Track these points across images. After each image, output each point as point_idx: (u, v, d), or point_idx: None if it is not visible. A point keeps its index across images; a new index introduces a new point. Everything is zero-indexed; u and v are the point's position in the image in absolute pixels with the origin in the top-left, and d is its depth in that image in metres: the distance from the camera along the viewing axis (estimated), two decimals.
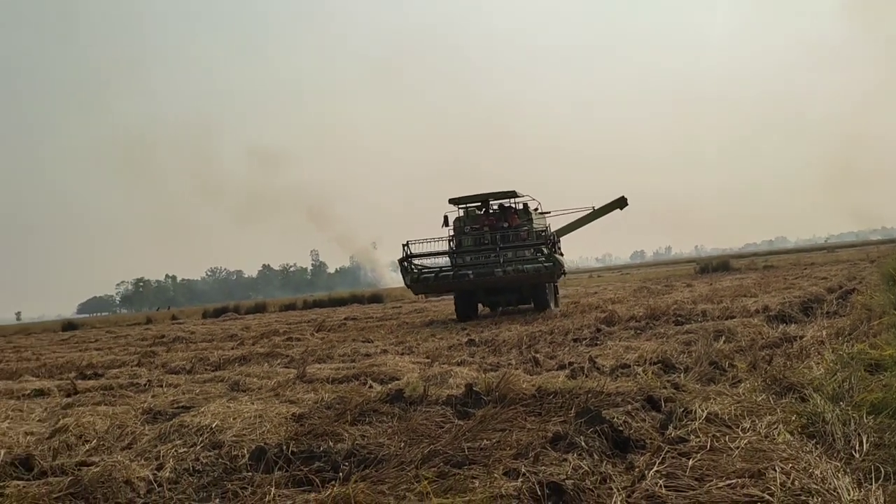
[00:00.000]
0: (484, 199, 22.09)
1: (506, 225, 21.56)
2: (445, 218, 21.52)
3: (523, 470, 4.55)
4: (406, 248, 20.78)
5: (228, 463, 5.55)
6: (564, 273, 22.29)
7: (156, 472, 5.50)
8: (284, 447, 5.79)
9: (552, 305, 21.37)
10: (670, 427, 5.49)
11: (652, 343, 11.00)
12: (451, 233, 21.68)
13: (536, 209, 22.71)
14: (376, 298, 47.12)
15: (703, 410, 5.66)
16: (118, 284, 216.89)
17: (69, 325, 43.86)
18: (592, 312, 18.15)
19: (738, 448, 4.72)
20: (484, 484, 4.27)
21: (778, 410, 5.66)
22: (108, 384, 11.84)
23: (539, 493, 4.14)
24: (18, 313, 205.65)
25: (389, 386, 8.93)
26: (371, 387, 9.20)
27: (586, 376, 8.43)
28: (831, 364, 6.53)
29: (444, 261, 21.88)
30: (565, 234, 23.94)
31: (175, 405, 8.79)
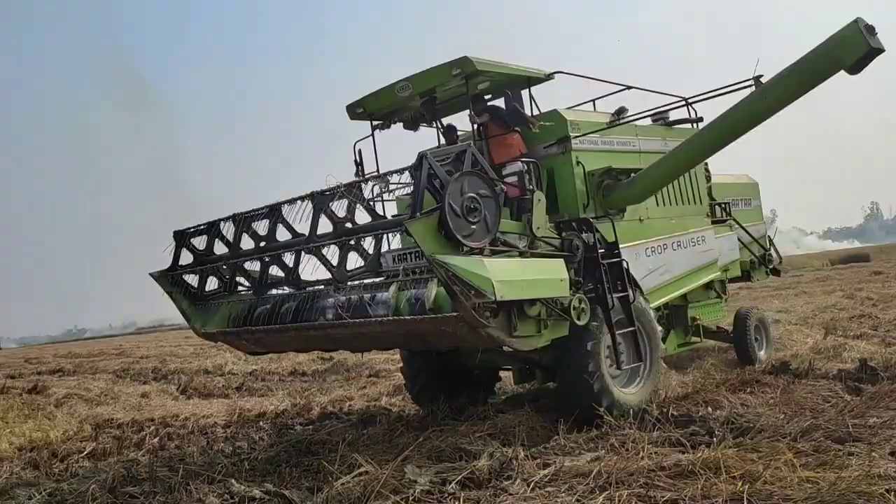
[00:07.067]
0: (419, 94, 7.44)
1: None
2: (358, 155, 7.90)
3: None
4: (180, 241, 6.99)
5: (613, 420, 5.88)
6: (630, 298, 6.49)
7: (557, 422, 6.11)
8: (665, 410, 5.96)
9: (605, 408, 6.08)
10: None
11: None
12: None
13: (622, 112, 7.74)
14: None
15: None
16: None
17: None
18: None
19: None
20: (861, 462, 3.92)
21: None
22: None
23: None
24: None
25: (776, 357, 8.46)
26: None
27: None
28: None
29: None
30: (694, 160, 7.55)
31: None
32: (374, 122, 7.88)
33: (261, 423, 8.20)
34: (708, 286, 8.65)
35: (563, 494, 4.08)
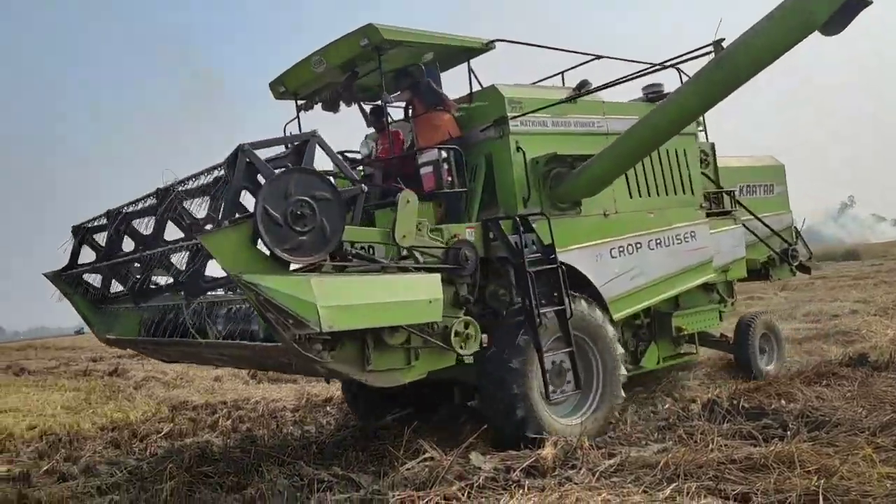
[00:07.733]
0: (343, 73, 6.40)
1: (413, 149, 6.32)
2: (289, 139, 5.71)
3: None
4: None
5: (681, 412, 5.78)
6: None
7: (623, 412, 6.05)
8: (735, 401, 5.81)
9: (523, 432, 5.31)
10: None
11: None
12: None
13: (584, 86, 6.28)
14: (851, 255, 41.70)
15: None
16: None
17: None
18: None
19: None
20: None
21: None
22: None
23: None
24: None
25: (854, 348, 8.14)
26: (833, 348, 8.45)
27: None
28: None
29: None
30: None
31: None
32: (299, 102, 6.83)
33: (328, 407, 8.39)
34: (708, 289, 7.55)
35: (630, 485, 4.02)
